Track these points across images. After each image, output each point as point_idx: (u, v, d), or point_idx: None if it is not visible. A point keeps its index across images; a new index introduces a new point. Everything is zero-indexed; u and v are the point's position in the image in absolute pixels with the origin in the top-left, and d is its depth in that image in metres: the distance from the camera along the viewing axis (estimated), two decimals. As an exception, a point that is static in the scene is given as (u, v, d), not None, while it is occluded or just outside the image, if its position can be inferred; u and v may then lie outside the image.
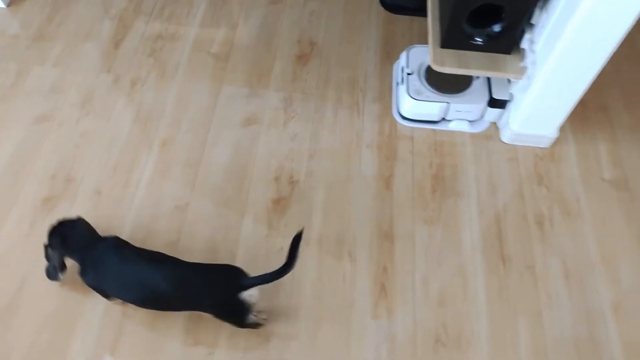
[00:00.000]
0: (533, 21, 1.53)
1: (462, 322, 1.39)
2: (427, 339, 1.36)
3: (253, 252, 1.49)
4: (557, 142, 1.74)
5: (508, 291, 1.44)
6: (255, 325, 1.34)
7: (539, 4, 1.47)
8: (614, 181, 1.67)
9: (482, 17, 1.53)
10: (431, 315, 1.40)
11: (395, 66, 1.94)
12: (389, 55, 1.98)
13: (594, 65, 1.43)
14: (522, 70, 1.56)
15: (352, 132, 1.76)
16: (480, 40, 1.55)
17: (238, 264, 1.39)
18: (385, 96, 1.86)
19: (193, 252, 1.48)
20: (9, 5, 2.06)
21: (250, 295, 1.22)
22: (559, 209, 1.60)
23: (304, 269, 1.46)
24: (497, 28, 1.54)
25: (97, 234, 1.34)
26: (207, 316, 1.28)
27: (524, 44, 1.57)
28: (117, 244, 1.30)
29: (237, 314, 1.26)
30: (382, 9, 2.14)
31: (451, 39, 1.58)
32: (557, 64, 1.44)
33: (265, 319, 1.36)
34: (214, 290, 1.23)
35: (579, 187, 1.65)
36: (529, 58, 1.55)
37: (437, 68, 1.59)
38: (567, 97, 1.56)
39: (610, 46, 1.36)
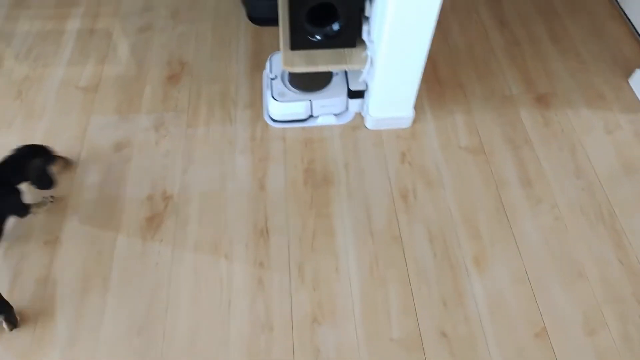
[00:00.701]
0: (367, 14, 1.66)
1: (336, 300, 1.45)
2: (303, 321, 1.41)
3: (128, 271, 1.50)
4: (416, 120, 1.87)
5: (378, 263, 1.52)
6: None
7: (367, -2, 1.60)
8: (470, 147, 1.80)
9: (322, 17, 1.64)
10: (307, 298, 1.46)
11: (263, 74, 2.03)
12: (259, 66, 2.06)
13: (421, 45, 1.55)
14: (365, 60, 1.68)
15: (225, 140, 1.82)
16: (320, 38, 1.65)
17: (114, 284, 1.41)
18: (256, 103, 1.94)
19: (66, 281, 1.48)
20: None
21: None
22: (421, 181, 1.71)
23: (180, 279, 1.49)
24: (335, 26, 1.65)
25: None
26: None
27: (364, 35, 1.69)
28: None
29: None
30: (249, 23, 2.24)
31: (297, 41, 1.68)
32: (389, 48, 1.56)
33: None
34: None
35: (439, 158, 1.77)
36: (369, 48, 1.67)
37: (288, 69, 1.68)
38: (409, 77, 1.68)
39: (429, 21, 1.48)
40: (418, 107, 1.88)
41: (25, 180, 1.49)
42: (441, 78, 2.02)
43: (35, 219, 1.60)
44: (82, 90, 1.96)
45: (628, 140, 1.82)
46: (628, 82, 1.99)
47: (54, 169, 1.56)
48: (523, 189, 1.69)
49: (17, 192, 1.49)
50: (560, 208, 1.64)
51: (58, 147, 1.80)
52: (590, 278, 1.49)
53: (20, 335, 1.39)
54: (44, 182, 1.51)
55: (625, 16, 2.23)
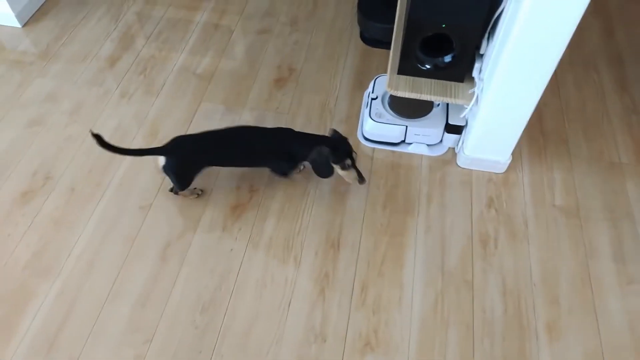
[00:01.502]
0: (482, 51, 1.64)
1: (393, 330, 1.43)
2: (356, 342, 1.40)
3: (205, 250, 1.58)
4: (512, 168, 1.81)
5: (443, 303, 1.48)
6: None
7: (486, 35, 1.58)
8: (565, 208, 1.71)
9: (435, 47, 1.65)
10: (364, 320, 1.44)
11: (365, 93, 2.06)
12: (361, 84, 2.11)
13: (532, 92, 1.51)
14: (470, 97, 1.66)
15: (316, 149, 1.87)
16: (429, 67, 1.66)
17: (190, 259, 1.49)
18: (352, 119, 1.98)
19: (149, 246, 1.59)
20: (24, 25, 2.30)
21: None
22: (504, 231, 1.64)
23: (249, 269, 1.54)
24: (447, 58, 1.65)
25: None
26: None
27: (474, 72, 1.67)
28: None
29: None
30: (360, 42, 2.29)
31: (405, 66, 1.70)
32: (499, 90, 1.53)
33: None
34: None
35: (528, 211, 1.70)
36: (477, 85, 1.65)
37: (390, 91, 1.70)
38: (513, 123, 1.63)
39: (545, 72, 1.44)
40: (516, 154, 1.82)
41: (304, 159, 1.61)
42: (546, 131, 1.94)
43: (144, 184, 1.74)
44: (198, 77, 2.11)
45: None
46: None
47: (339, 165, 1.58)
48: (615, 264, 1.57)
49: (291, 161, 1.65)
50: (654, 294, 1.51)
51: (167, 124, 1.94)
52: (675, 377, 1.35)
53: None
54: (321, 170, 1.59)
55: None
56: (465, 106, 1.71)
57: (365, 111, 1.91)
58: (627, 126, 1.96)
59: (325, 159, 1.54)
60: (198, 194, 1.71)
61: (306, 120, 1.96)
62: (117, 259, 1.57)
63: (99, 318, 1.45)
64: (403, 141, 1.88)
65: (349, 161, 1.55)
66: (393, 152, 1.87)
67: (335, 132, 1.61)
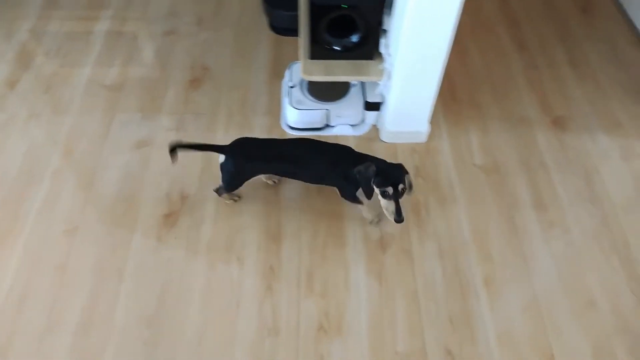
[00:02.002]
0: (385, 27, 1.69)
1: (344, 310, 1.46)
2: (309, 329, 1.42)
3: (142, 264, 1.53)
4: (432, 137, 1.89)
5: (387, 276, 1.53)
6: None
7: (386, 11, 1.63)
8: (485, 166, 1.81)
9: (342, 29, 1.67)
10: (314, 306, 1.46)
11: (283, 83, 2.06)
12: (278, 74, 2.10)
13: (437, 59, 1.57)
14: (381, 72, 1.71)
15: (242, 145, 1.85)
16: (338, 49, 1.68)
17: (128, 275, 1.44)
18: (274, 111, 1.97)
19: (82, 273, 1.51)
20: None
21: None
22: (434, 197, 1.72)
23: (193, 276, 1.51)
24: (354, 38, 1.69)
25: None
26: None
27: (382, 48, 1.72)
28: None
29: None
30: (271, 32, 2.28)
31: (316, 51, 1.72)
32: (405, 62, 1.58)
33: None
34: None
35: (452, 174, 1.78)
36: (387, 60, 1.70)
37: (306, 77, 1.71)
38: (424, 93, 1.70)
39: (444, 39, 1.51)
40: (434, 123, 1.90)
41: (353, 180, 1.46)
42: (458, 96, 2.04)
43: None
44: (108, 89, 2.01)
45: (644, 168, 1.81)
46: (646, 111, 1.99)
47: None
48: (536, 212, 1.69)
49: (353, 184, 1.49)
50: (573, 234, 1.64)
51: (82, 141, 1.85)
52: (601, 308, 1.48)
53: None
54: (362, 186, 1.44)
55: (646, 45, 2.23)
56: (379, 82, 1.76)
57: (285, 100, 1.91)
58: (529, 82, 2.10)
59: (369, 176, 1.39)
60: (235, 200, 1.68)
61: (228, 118, 1.94)
62: (49, 289, 1.48)
63: (39, 352, 1.37)
64: (327, 125, 1.90)
65: (390, 189, 1.37)
66: (319, 136, 1.88)
67: (399, 164, 1.44)
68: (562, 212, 1.69)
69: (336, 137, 1.88)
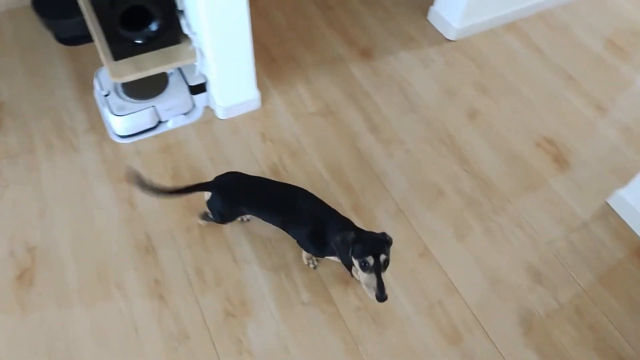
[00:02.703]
0: (180, 8, 1.65)
1: (244, 288, 1.49)
2: (215, 320, 1.43)
3: (14, 337, 1.36)
4: (265, 100, 1.94)
5: (271, 244, 1.58)
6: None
7: (176, -9, 1.59)
8: (319, 111, 1.93)
9: (139, 20, 1.59)
10: (214, 297, 1.47)
11: (95, 94, 1.91)
12: (86, 86, 1.94)
13: (241, 25, 1.60)
14: (193, 53, 1.68)
15: (75, 171, 1.70)
16: (141, 41, 1.61)
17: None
18: (96, 125, 1.83)
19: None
20: None
21: None
22: (286, 154, 1.79)
23: (76, 325, 1.39)
24: (154, 26, 1.62)
25: None
26: None
27: (185, 29, 1.68)
28: None
29: None
30: (61, 45, 2.07)
31: (118, 50, 1.62)
32: (212, 35, 1.58)
33: None
34: None
35: (295, 129, 1.87)
36: (194, 40, 1.68)
37: (117, 80, 1.62)
38: (241, 59, 1.72)
39: (241, 6, 1.53)
40: (262, 87, 1.95)
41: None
42: (274, 56, 2.11)
43: None
44: None
45: (442, 69, 2.10)
46: (428, 20, 2.28)
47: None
48: (373, 135, 1.87)
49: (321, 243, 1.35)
50: (407, 143, 1.86)
51: None
52: (448, 193, 1.73)
53: None
54: (341, 257, 1.28)
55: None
56: (195, 63, 1.73)
57: (105, 111, 1.78)
58: (329, 23, 2.25)
59: (346, 246, 1.22)
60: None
61: (48, 149, 1.75)
62: None
63: None
64: (160, 122, 1.83)
65: (371, 259, 1.18)
66: (156, 136, 1.81)
67: (382, 233, 1.27)
68: (393, 128, 1.89)
69: (175, 131, 1.83)
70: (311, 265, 1.53)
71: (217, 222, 1.53)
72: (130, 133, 1.79)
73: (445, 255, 1.58)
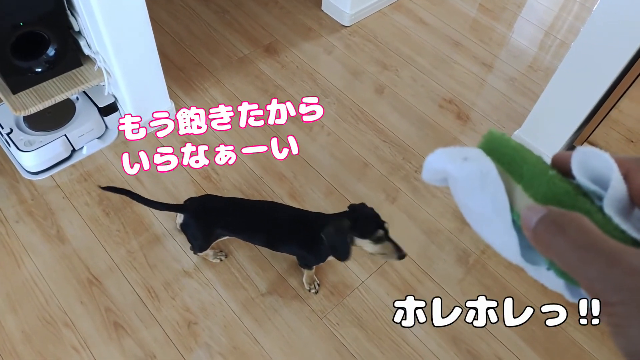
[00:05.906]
0: (77, 28, 1.60)
1: (199, 294, 1.48)
2: (181, 332, 1.41)
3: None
4: (180, 109, 1.92)
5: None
6: None
7: (70, 13, 1.53)
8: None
9: (34, 48, 1.52)
10: (171, 310, 1.45)
11: (-6, 134, 1.78)
12: (-19, 129, 1.80)
13: (144, 37, 1.58)
14: (100, 73, 1.64)
15: (-9, 219, 1.58)
16: (40, 69, 1.54)
17: None
18: (5, 167, 1.71)
19: None
20: None
21: None
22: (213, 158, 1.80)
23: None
24: (51, 51, 1.55)
25: None
26: None
27: (86, 50, 1.63)
28: None
29: None
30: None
31: (16, 82, 1.53)
32: (115, 51, 1.55)
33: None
34: None
35: (221, 135, 1.88)
36: (98, 59, 1.63)
37: (21, 114, 1.53)
38: (149, 71, 1.71)
39: (142, 21, 1.52)
40: (174, 97, 1.93)
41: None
42: (179, 65, 2.10)
43: None
44: None
45: (344, 53, 2.22)
46: (322, 10, 2.39)
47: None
48: (293, 123, 1.93)
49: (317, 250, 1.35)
50: (327, 125, 1.94)
51: None
52: (372, 163, 1.84)
53: None
54: (338, 250, 1.25)
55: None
56: (102, 83, 1.69)
57: (9, 150, 1.67)
58: (229, 26, 2.28)
59: (343, 234, 1.21)
60: (221, 259, 1.54)
61: (-48, 201, 1.61)
62: None
63: None
64: (74, 150, 1.75)
65: (381, 233, 1.21)
66: (73, 165, 1.74)
67: (355, 205, 1.28)
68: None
69: (92, 157, 1.76)
70: (312, 291, 1.50)
71: (194, 250, 1.49)
72: (44, 168, 1.69)
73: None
